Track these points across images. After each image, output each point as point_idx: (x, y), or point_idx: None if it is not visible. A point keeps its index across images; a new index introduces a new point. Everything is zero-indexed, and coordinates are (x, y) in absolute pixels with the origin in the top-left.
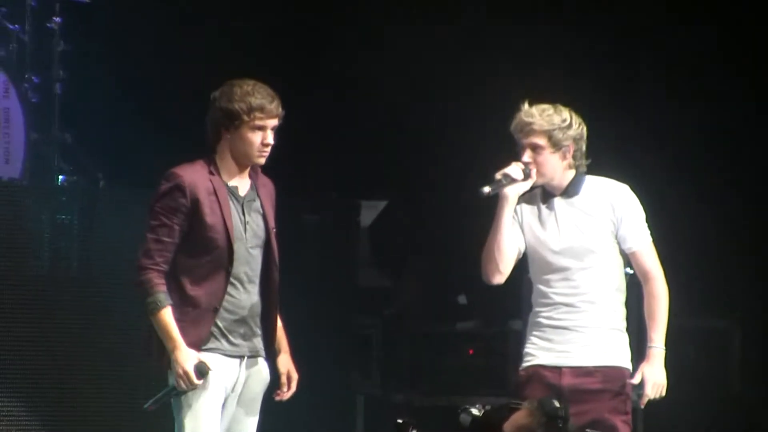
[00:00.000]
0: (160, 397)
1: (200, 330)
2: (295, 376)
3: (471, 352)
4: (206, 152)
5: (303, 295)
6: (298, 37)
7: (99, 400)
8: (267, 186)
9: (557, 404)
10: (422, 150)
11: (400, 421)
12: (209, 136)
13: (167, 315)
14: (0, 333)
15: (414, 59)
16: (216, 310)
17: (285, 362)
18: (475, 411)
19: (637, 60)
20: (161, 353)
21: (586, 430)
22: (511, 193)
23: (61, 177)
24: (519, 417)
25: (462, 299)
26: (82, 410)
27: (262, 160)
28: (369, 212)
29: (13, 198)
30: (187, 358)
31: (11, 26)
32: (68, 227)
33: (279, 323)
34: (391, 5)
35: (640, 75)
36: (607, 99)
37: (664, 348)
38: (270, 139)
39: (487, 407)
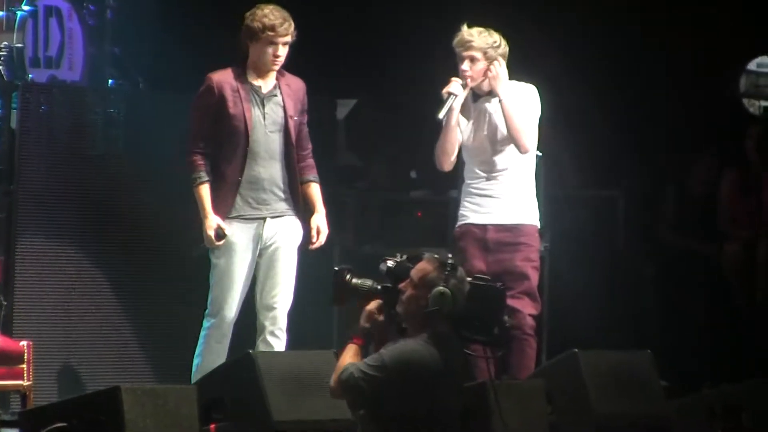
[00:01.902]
0: (200, 248)
1: (228, 200)
2: (324, 231)
3: (420, 214)
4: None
5: None
6: None
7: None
8: (292, 85)
9: (449, 256)
10: (387, 56)
11: (336, 268)
12: (241, 46)
13: (203, 189)
14: (61, 197)
15: None
16: (238, 183)
17: (315, 220)
18: (390, 262)
19: None
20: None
21: (477, 275)
22: (456, 104)
23: (111, 81)
24: (422, 264)
25: (413, 174)
26: (128, 264)
27: (276, 67)
28: (343, 108)
29: (74, 96)
30: (210, 224)
31: None
32: (116, 118)
33: (313, 189)
34: None
35: None
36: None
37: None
38: (279, 52)
39: (403, 257)
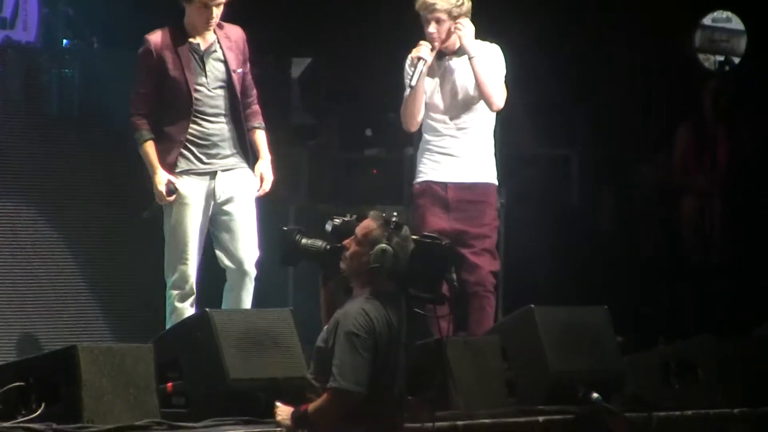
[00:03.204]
0: (151, 209)
1: (171, 156)
2: (268, 177)
3: (375, 171)
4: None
5: None
6: None
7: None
8: (230, 36)
9: (394, 214)
10: (343, 13)
11: (285, 228)
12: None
13: (147, 147)
14: (17, 159)
15: None
16: (183, 141)
17: (260, 167)
18: (337, 221)
19: None
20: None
21: (425, 233)
22: (426, 68)
23: (65, 41)
24: (366, 222)
25: (368, 132)
26: (85, 226)
27: (211, 29)
28: (297, 67)
29: (30, 57)
30: (160, 180)
31: None
32: (71, 79)
33: (258, 136)
34: None
35: None
36: None
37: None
38: (213, 15)
39: (353, 217)
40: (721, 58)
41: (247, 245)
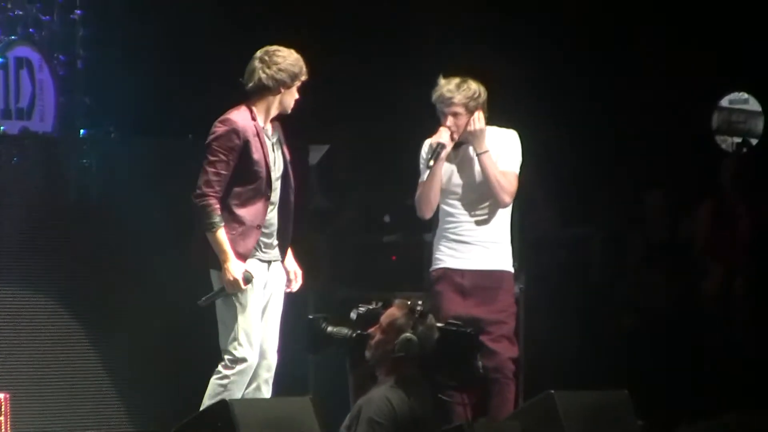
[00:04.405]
0: (211, 296)
1: (248, 242)
2: (299, 272)
3: (394, 258)
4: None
5: None
6: None
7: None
8: (279, 128)
9: (419, 302)
10: (360, 101)
11: (311, 317)
12: (258, 89)
13: (221, 234)
14: (35, 248)
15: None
16: (259, 227)
17: (291, 263)
18: (362, 309)
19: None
20: (204, 256)
21: (450, 321)
22: (444, 154)
23: (82, 131)
24: (391, 310)
25: (387, 218)
26: (103, 313)
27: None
28: (315, 153)
29: (46, 147)
30: (236, 268)
31: (43, 17)
32: (89, 169)
33: None
34: None
35: None
36: None
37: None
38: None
39: (378, 305)
40: (738, 139)
41: (274, 337)
